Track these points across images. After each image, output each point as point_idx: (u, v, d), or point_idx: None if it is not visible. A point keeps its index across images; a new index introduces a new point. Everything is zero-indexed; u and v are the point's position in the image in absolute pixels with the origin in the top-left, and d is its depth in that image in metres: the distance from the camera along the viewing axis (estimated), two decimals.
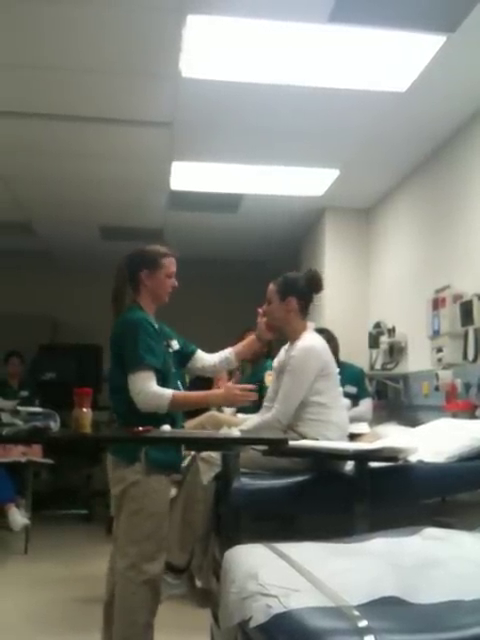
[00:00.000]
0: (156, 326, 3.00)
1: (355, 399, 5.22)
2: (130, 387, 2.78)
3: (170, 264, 3.08)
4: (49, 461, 6.27)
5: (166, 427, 2.59)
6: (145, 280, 3.03)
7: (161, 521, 2.80)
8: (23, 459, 5.83)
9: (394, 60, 3.93)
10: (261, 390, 3.93)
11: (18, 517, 5.44)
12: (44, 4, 3.45)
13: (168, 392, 2.81)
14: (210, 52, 3.86)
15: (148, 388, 2.77)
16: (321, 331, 5.55)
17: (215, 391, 3.29)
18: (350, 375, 5.09)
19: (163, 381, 2.87)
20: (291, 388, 3.20)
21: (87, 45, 3.83)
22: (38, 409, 2.45)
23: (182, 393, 2.97)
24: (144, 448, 2.75)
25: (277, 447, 2.79)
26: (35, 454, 6.07)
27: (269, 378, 3.94)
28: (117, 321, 3.00)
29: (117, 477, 2.83)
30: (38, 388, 7.29)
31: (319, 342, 3.31)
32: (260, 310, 3.36)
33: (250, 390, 2.98)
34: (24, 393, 7.08)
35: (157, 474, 2.79)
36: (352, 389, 5.18)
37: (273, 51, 3.82)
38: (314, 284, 3.43)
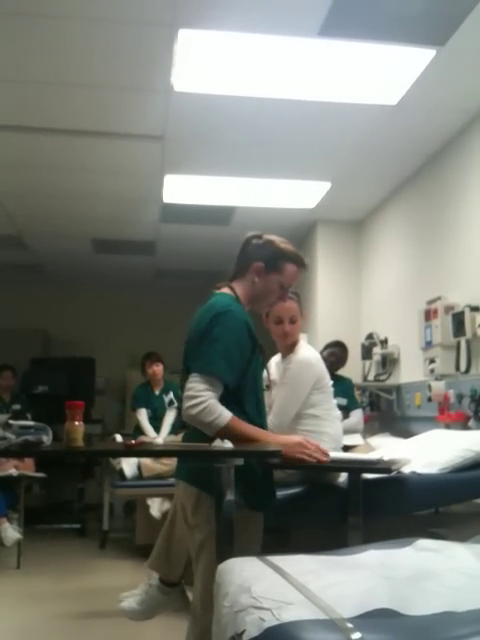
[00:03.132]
0: (254, 333, 2.49)
1: (346, 411, 5.23)
2: (189, 385, 2.34)
3: (291, 274, 2.62)
4: (41, 475, 6.24)
5: (159, 440, 2.45)
6: (255, 273, 2.57)
7: None
8: (15, 473, 5.81)
9: (384, 73, 3.96)
10: None
11: (10, 532, 5.41)
12: (36, 19, 3.47)
13: (227, 413, 2.34)
14: (202, 66, 3.88)
15: (210, 398, 2.32)
16: (337, 344, 5.65)
17: (282, 436, 2.66)
18: (340, 387, 5.10)
19: (257, 400, 2.52)
20: (287, 400, 3.20)
21: (79, 59, 3.85)
22: (30, 422, 2.42)
23: (241, 422, 2.41)
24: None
25: (270, 459, 2.78)
26: (27, 468, 6.06)
27: None
28: (209, 307, 2.48)
29: (201, 513, 2.42)
30: (30, 401, 7.27)
31: (314, 355, 3.31)
32: (285, 330, 3.23)
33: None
34: (16, 406, 7.07)
35: (247, 512, 2.40)
36: (342, 401, 5.19)
37: (264, 65, 3.85)
38: None
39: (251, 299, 2.59)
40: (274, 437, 2.53)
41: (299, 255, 2.65)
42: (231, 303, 2.49)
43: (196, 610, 2.40)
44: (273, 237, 2.63)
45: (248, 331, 2.44)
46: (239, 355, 2.40)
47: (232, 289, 2.57)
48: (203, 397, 2.32)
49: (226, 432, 2.32)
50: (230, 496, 2.25)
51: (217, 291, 2.59)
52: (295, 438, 2.61)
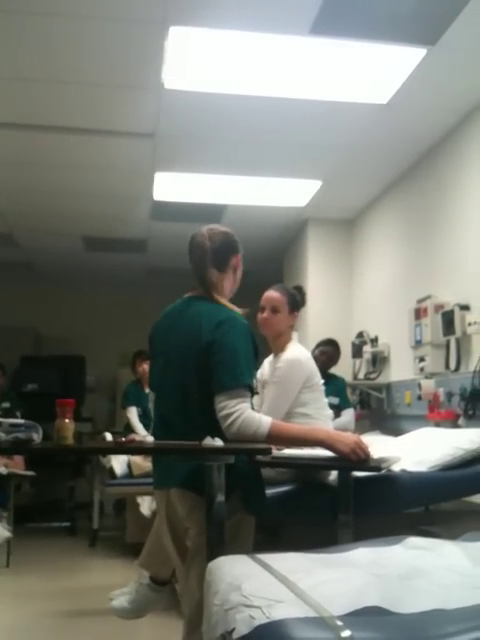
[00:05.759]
0: (254, 337, 2.47)
1: (338, 409, 5.24)
2: (219, 405, 2.30)
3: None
4: (31, 473, 6.22)
5: (149, 438, 2.43)
6: (236, 269, 2.57)
7: None
8: (5, 471, 5.79)
9: (375, 72, 3.97)
10: None
11: (0, 530, 5.39)
12: (26, 16, 3.45)
13: (267, 418, 2.34)
14: (192, 64, 3.87)
15: (244, 410, 2.29)
16: (329, 342, 5.64)
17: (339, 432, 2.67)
18: (332, 386, 5.10)
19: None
20: (277, 400, 3.20)
21: (70, 57, 3.84)
22: (20, 420, 2.41)
23: (281, 422, 2.52)
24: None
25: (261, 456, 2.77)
26: (17, 466, 6.04)
27: None
28: (207, 315, 2.41)
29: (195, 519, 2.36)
30: (20, 399, 7.25)
31: (303, 354, 3.31)
32: (263, 316, 3.26)
33: None
34: (6, 405, 7.04)
35: (242, 514, 2.40)
36: (335, 400, 5.20)
37: (255, 63, 3.85)
38: (303, 300, 3.44)
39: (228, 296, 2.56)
40: (327, 431, 2.57)
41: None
42: (228, 309, 2.45)
43: (192, 617, 2.30)
44: (203, 230, 2.61)
45: (251, 336, 2.43)
46: (253, 361, 2.42)
47: (222, 300, 2.52)
48: (238, 410, 2.29)
49: (274, 438, 2.32)
50: (220, 496, 2.24)
51: (195, 296, 2.55)
52: (353, 437, 2.60)
